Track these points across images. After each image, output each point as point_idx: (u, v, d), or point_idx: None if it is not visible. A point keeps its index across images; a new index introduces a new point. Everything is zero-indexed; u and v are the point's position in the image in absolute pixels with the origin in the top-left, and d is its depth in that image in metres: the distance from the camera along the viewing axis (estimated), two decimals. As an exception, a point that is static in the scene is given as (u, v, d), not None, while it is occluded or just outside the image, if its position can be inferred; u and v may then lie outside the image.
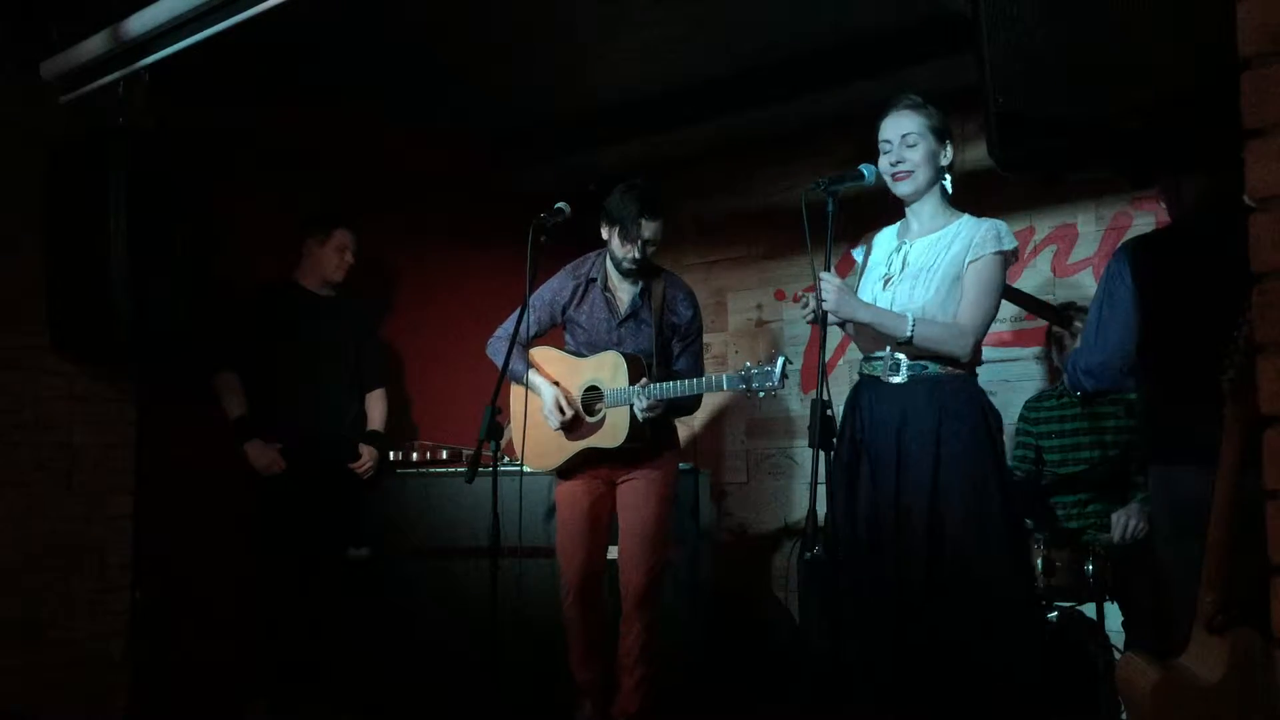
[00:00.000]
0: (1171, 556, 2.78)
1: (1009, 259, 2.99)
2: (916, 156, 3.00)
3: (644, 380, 3.67)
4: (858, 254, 3.28)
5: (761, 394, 3.41)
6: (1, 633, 3.84)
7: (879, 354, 3.00)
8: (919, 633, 2.79)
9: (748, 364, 3.45)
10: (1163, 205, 3.99)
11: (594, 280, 3.91)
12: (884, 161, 3.04)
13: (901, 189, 3.04)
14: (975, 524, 2.81)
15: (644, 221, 3.75)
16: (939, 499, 2.83)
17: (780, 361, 3.37)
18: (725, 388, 3.51)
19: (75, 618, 4.03)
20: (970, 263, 2.94)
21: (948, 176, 3.05)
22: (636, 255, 3.79)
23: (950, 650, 2.77)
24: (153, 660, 4.16)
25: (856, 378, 3.15)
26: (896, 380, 2.95)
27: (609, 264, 3.90)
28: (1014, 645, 2.78)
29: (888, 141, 3.03)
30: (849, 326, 3.13)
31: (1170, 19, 1.87)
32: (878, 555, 2.89)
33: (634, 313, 3.87)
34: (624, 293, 3.90)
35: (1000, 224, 2.99)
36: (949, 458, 2.85)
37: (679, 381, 3.63)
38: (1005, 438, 3.20)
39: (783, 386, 3.40)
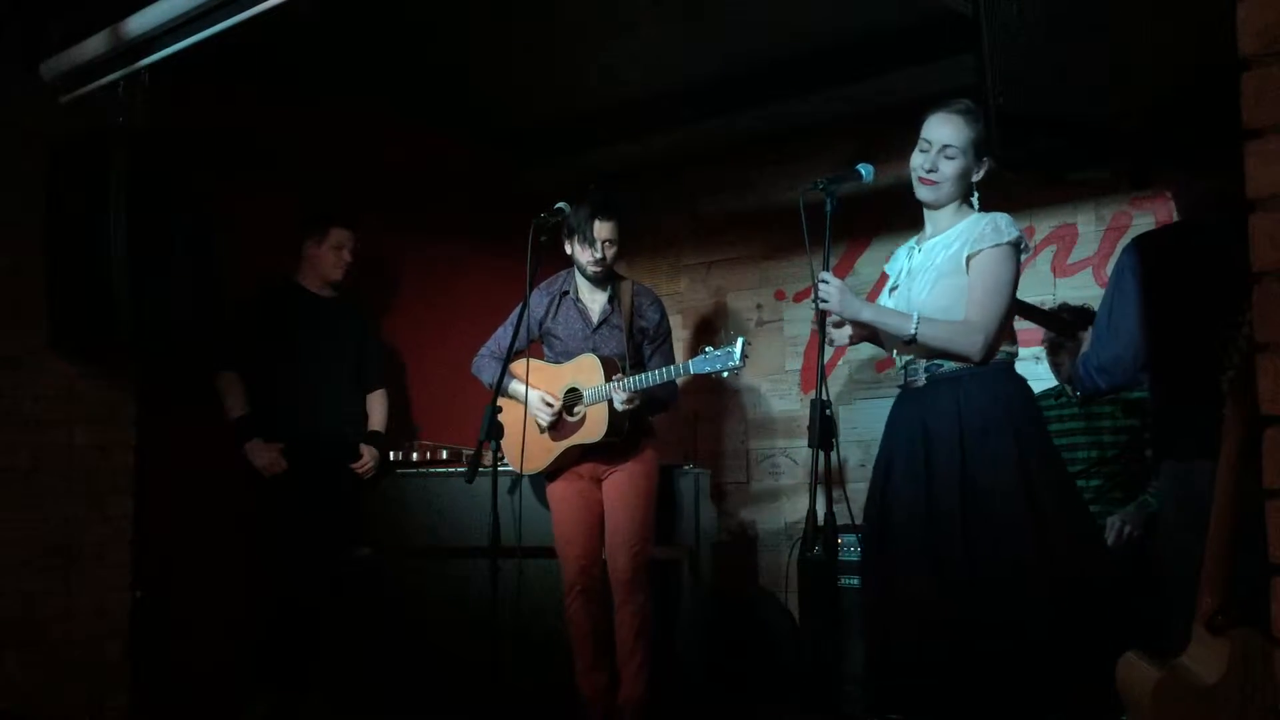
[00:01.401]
0: (1176, 552, 2.77)
1: (1014, 250, 2.89)
2: (949, 170, 2.92)
3: (618, 376, 3.84)
4: (889, 268, 3.24)
5: (725, 374, 3.61)
6: (1, 633, 3.84)
7: (905, 359, 3.00)
8: (946, 634, 2.74)
9: (709, 347, 3.62)
10: (1170, 201, 4.00)
11: (566, 293, 4.09)
12: (918, 159, 2.97)
13: (923, 193, 2.98)
14: (1005, 522, 2.73)
15: (597, 223, 3.91)
16: (968, 499, 2.77)
17: (740, 342, 3.52)
18: (691, 372, 3.68)
19: (75, 618, 4.03)
20: (969, 258, 2.88)
21: (976, 193, 2.97)
22: (597, 257, 3.94)
23: (971, 653, 2.72)
24: (153, 660, 4.16)
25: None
26: (919, 384, 2.94)
27: (578, 277, 4.07)
28: (1048, 647, 2.67)
29: (927, 142, 2.95)
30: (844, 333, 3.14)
31: (1170, 20, 1.87)
32: (910, 559, 2.85)
33: (605, 319, 4.05)
34: (595, 302, 4.08)
35: (1001, 216, 2.91)
36: (972, 458, 2.79)
37: (649, 372, 3.81)
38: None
39: (743, 365, 3.57)
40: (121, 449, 4.21)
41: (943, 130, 2.93)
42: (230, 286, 4.23)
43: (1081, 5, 1.99)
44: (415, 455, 4.64)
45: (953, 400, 2.86)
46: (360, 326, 4.61)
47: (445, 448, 4.65)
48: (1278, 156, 1.39)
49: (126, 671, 4.13)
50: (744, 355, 3.51)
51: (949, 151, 2.91)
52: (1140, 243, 2.91)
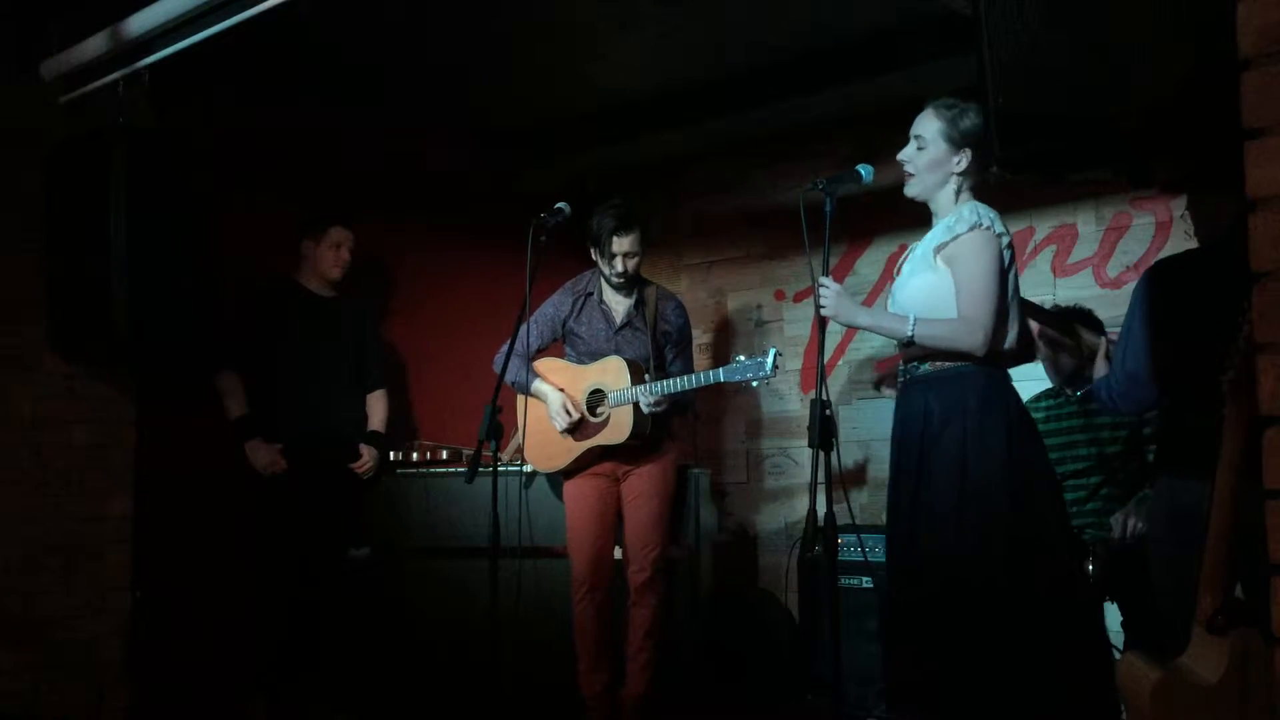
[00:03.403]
0: (1165, 567, 2.78)
1: (986, 234, 2.87)
2: (921, 161, 2.99)
3: (647, 379, 3.88)
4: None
5: (755, 384, 3.64)
6: (1, 633, 3.84)
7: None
8: (916, 637, 2.80)
9: (741, 357, 3.66)
10: (1170, 201, 4.00)
11: (591, 294, 4.15)
12: (901, 156, 3.05)
13: (906, 189, 3.05)
14: (956, 529, 2.77)
15: (616, 238, 3.98)
16: (922, 501, 2.84)
17: (772, 353, 3.55)
18: (722, 379, 3.71)
19: (75, 618, 4.03)
20: (937, 250, 2.91)
21: (954, 180, 2.99)
22: (618, 270, 4.02)
23: (938, 655, 2.77)
24: (153, 660, 4.16)
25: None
26: (905, 383, 2.99)
27: (603, 280, 4.13)
28: (995, 651, 2.72)
29: (909, 139, 3.04)
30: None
31: (1170, 19, 1.87)
32: (893, 558, 2.94)
33: (629, 322, 4.11)
34: (619, 304, 4.14)
35: (964, 206, 2.93)
36: (935, 460, 2.84)
37: (680, 378, 3.85)
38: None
39: (774, 376, 3.60)
40: (121, 449, 4.21)
41: (918, 124, 3.01)
42: (230, 286, 4.23)
43: (1081, 5, 1.99)
44: (415, 455, 4.65)
45: (921, 403, 2.90)
46: (360, 326, 4.61)
47: (445, 448, 4.65)
48: (1278, 156, 1.39)
49: (126, 671, 4.13)
50: (775, 366, 3.56)
51: (919, 142, 2.99)
52: (1158, 268, 2.95)
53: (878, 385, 3.31)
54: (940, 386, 2.89)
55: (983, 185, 3.04)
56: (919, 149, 2.99)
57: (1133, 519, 3.65)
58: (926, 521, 2.83)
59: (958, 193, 3.00)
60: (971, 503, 2.77)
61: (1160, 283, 2.85)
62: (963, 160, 2.97)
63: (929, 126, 2.99)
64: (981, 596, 2.73)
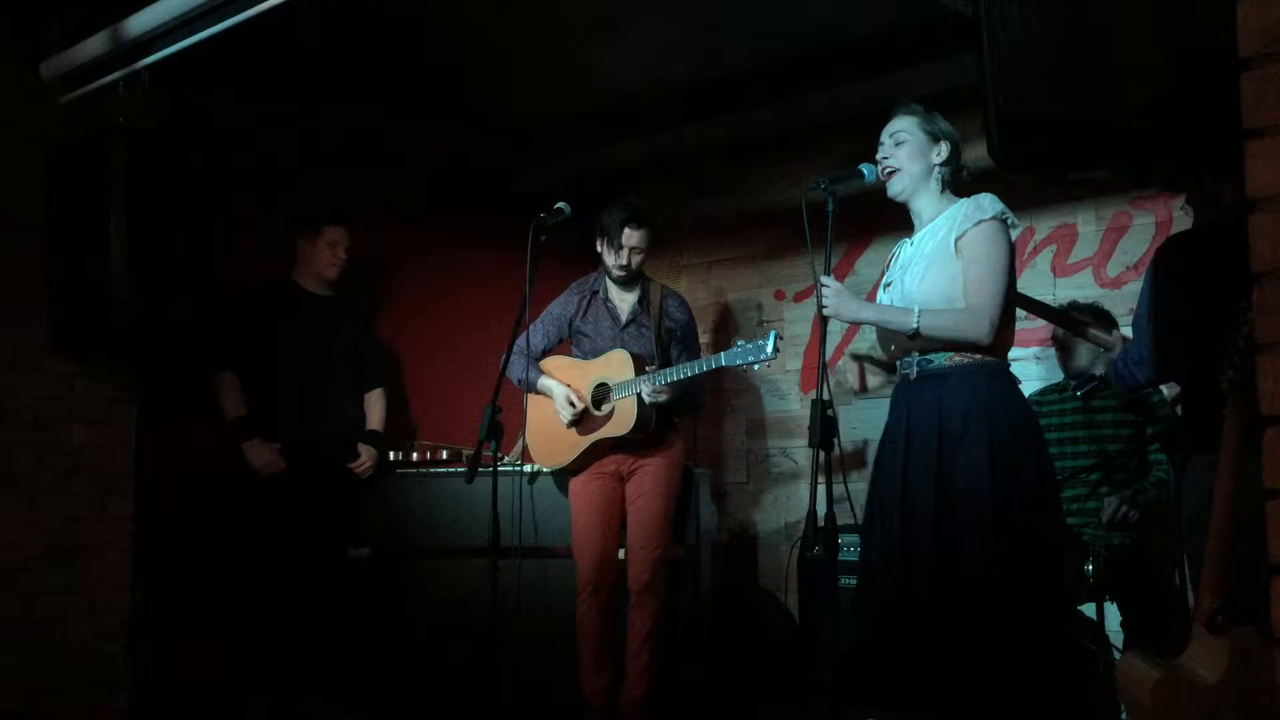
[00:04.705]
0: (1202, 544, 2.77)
1: (1001, 225, 2.87)
2: (902, 154, 2.98)
3: (650, 367, 3.95)
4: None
5: (756, 367, 3.64)
6: (1, 633, 3.84)
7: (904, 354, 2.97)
8: (922, 631, 2.78)
9: (741, 340, 3.67)
10: (1170, 201, 4.00)
11: (596, 293, 4.21)
12: (879, 165, 3.05)
13: (890, 188, 3.03)
14: (968, 524, 2.74)
15: (627, 231, 4.05)
16: (941, 500, 2.78)
17: (772, 335, 3.55)
18: (723, 363, 3.72)
19: (75, 618, 4.03)
20: (957, 240, 2.86)
21: (937, 172, 2.99)
22: (623, 263, 4.08)
23: (941, 648, 2.74)
24: (153, 660, 4.16)
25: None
26: (911, 376, 2.93)
27: (608, 278, 4.19)
28: (1003, 647, 2.68)
29: (881, 144, 3.05)
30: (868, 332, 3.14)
31: (1169, 19, 1.87)
32: (890, 556, 2.86)
33: (634, 319, 4.16)
34: (624, 302, 4.20)
35: (984, 196, 2.91)
36: (948, 455, 2.80)
37: (680, 365, 3.91)
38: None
39: (775, 358, 3.59)
40: (121, 449, 4.20)
41: (889, 126, 3.04)
42: (230, 286, 4.23)
43: (1082, 5, 1.99)
44: (415, 455, 4.65)
45: (935, 397, 2.85)
46: (358, 325, 4.60)
47: (445, 448, 4.65)
48: (1278, 156, 1.39)
49: (126, 671, 4.12)
50: (776, 348, 3.54)
51: (898, 137, 3.00)
52: (1172, 241, 2.96)
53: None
54: (960, 382, 2.83)
55: (960, 184, 3.05)
56: (898, 143, 2.99)
57: (1125, 505, 3.68)
58: (943, 523, 2.76)
59: (941, 189, 3.00)
60: (1001, 503, 2.74)
61: (1173, 256, 2.87)
62: (943, 150, 2.98)
63: (903, 122, 3.01)
64: (1006, 598, 2.70)
